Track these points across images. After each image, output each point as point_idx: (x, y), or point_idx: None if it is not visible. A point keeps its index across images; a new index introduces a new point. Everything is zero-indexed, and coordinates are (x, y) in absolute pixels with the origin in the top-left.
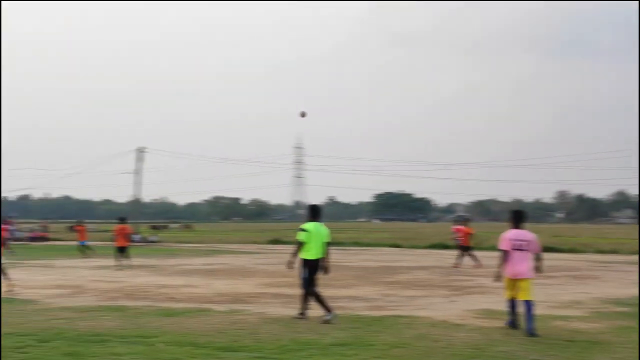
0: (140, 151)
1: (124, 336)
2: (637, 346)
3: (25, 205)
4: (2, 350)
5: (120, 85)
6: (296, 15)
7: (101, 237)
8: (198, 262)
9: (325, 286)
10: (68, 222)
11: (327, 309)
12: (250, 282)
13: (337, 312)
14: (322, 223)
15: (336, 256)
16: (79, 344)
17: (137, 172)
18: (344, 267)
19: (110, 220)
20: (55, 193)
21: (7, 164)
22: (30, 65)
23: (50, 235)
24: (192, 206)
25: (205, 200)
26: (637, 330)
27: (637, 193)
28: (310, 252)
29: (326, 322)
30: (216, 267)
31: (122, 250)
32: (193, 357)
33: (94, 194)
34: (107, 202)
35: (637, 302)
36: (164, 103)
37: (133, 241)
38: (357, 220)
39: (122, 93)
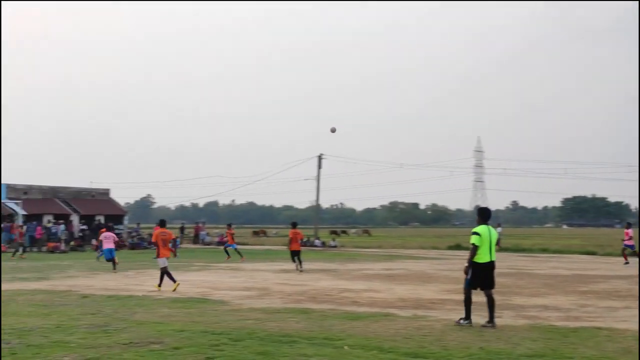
0: (320, 158)
1: (311, 338)
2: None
3: (213, 212)
4: (200, 347)
5: (296, 93)
6: (473, 17)
7: (283, 242)
8: (378, 267)
9: (513, 294)
10: (252, 227)
11: (468, 315)
12: (432, 288)
13: (528, 321)
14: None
15: (523, 263)
16: (269, 343)
17: (317, 179)
18: (532, 275)
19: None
20: (240, 200)
21: (198, 173)
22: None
23: (236, 240)
24: (369, 211)
25: (382, 206)
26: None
27: None
28: (482, 255)
29: (457, 324)
30: (396, 272)
31: (296, 254)
32: None
33: (276, 200)
34: (288, 208)
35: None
36: (342, 108)
37: (314, 246)
38: (544, 226)
39: (300, 102)
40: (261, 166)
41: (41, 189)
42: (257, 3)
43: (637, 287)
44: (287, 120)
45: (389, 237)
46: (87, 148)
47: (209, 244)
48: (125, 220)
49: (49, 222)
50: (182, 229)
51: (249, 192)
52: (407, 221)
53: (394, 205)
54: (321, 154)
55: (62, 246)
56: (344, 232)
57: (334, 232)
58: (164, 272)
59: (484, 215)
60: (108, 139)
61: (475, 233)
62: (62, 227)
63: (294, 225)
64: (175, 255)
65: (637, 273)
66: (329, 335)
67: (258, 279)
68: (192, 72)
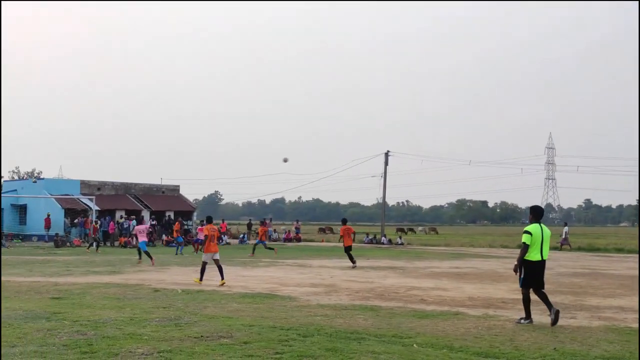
0: (387, 155)
1: (380, 335)
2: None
3: (280, 208)
4: (269, 342)
5: (361, 87)
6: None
7: None
8: (446, 265)
9: (587, 295)
10: (318, 224)
11: (528, 315)
12: (503, 288)
13: (604, 323)
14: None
15: (597, 263)
16: (338, 340)
17: (384, 176)
18: (607, 275)
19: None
20: (307, 196)
21: (264, 170)
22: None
23: (302, 237)
24: (436, 209)
25: (450, 203)
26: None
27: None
28: (531, 254)
29: (518, 323)
30: (465, 271)
31: (348, 249)
32: None
33: (342, 197)
34: (354, 205)
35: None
36: (408, 103)
37: (381, 244)
38: (619, 225)
39: (366, 96)
40: (327, 163)
41: (114, 185)
42: None
43: None
44: (352, 116)
45: (457, 235)
46: (158, 145)
47: (275, 240)
48: (194, 217)
49: (121, 217)
50: (249, 226)
51: (315, 189)
52: (475, 219)
53: (461, 203)
54: (388, 151)
55: (134, 241)
56: (411, 230)
57: (401, 230)
58: (203, 267)
59: (536, 213)
60: (178, 136)
61: (527, 232)
62: (134, 222)
63: (344, 222)
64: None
65: None
66: (398, 333)
67: (325, 276)
68: (259, 69)
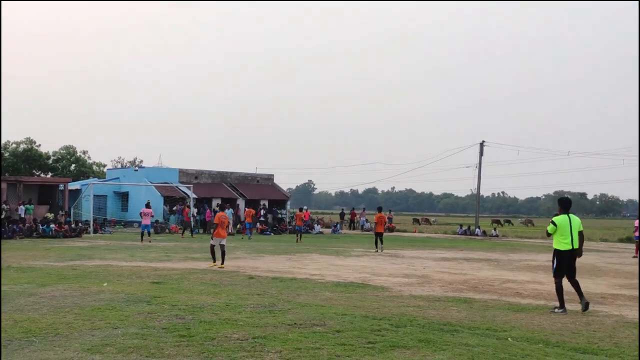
0: (482, 145)
1: (473, 328)
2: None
3: (373, 198)
4: (361, 331)
5: (456, 73)
6: None
7: (443, 230)
8: (542, 258)
9: None
10: (411, 215)
11: (562, 304)
12: (602, 282)
13: None
14: (574, 214)
15: None
16: (431, 331)
17: (478, 166)
18: None
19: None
20: (399, 187)
21: (356, 160)
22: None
23: (395, 226)
24: (532, 201)
25: (547, 195)
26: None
27: None
28: (561, 243)
29: (552, 312)
30: None
31: (379, 236)
32: (546, 355)
33: (435, 188)
34: (447, 196)
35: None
36: (505, 90)
37: (475, 235)
38: None
39: (461, 87)
40: (421, 154)
41: (210, 174)
42: None
43: None
44: (447, 106)
45: None
46: (252, 135)
47: (368, 230)
48: (288, 205)
49: (217, 205)
50: (341, 215)
51: (408, 179)
52: (573, 212)
53: (559, 195)
54: (483, 141)
55: (230, 229)
56: (508, 221)
57: (496, 221)
58: (212, 250)
59: (564, 205)
60: (273, 126)
61: (552, 222)
62: (230, 210)
63: (380, 209)
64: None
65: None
66: (492, 326)
67: (418, 267)
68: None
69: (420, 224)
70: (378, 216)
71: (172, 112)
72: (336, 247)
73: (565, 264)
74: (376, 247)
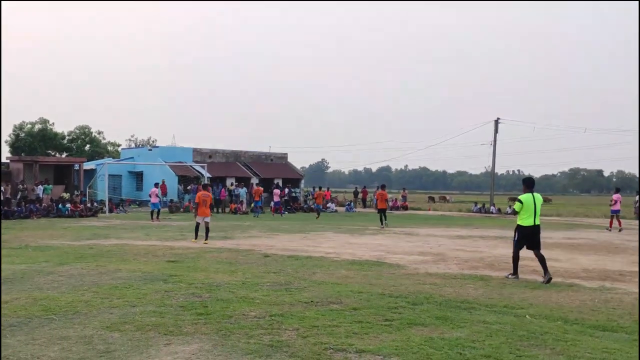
0: (497, 122)
1: (491, 305)
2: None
3: (386, 177)
4: (378, 309)
5: (469, 58)
6: None
7: (457, 208)
8: (558, 235)
9: None
10: (426, 193)
11: (515, 271)
12: (620, 260)
13: None
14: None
15: None
16: (448, 309)
17: (493, 144)
18: None
19: (465, 192)
20: (413, 165)
21: (370, 140)
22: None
23: (409, 205)
24: (547, 178)
25: (562, 172)
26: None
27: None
28: (525, 220)
29: (506, 278)
30: (579, 242)
31: (382, 212)
32: (565, 333)
33: (449, 166)
34: (461, 174)
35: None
36: (521, 69)
37: (489, 213)
38: None
39: (475, 64)
40: (435, 131)
41: (224, 153)
42: None
43: None
44: (461, 83)
45: (569, 205)
46: (266, 113)
47: None
48: (302, 184)
49: (231, 184)
50: (355, 193)
51: (422, 158)
52: (589, 189)
53: (574, 172)
54: (498, 118)
55: (244, 208)
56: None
57: (513, 199)
58: (196, 227)
59: (528, 184)
60: (286, 104)
61: (519, 200)
62: (244, 189)
63: (382, 187)
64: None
65: None
66: (509, 304)
67: (433, 244)
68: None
69: (435, 202)
70: (379, 193)
71: (187, 92)
72: (350, 226)
73: (527, 239)
74: (382, 224)
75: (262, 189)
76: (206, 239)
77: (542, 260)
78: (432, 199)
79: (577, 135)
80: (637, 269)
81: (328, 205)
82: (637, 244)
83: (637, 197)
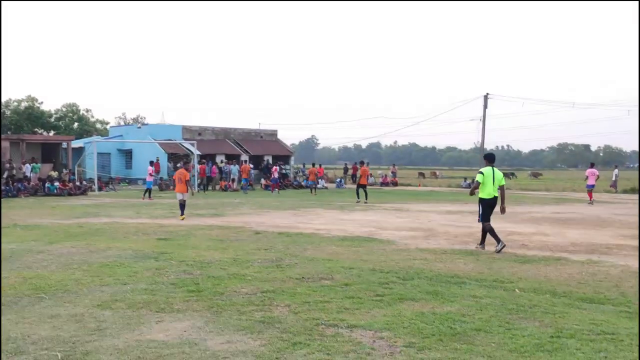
0: (486, 98)
1: (481, 280)
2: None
3: (376, 153)
4: (369, 284)
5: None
6: None
7: (447, 184)
8: (547, 210)
9: None
10: (415, 169)
11: (498, 240)
12: (607, 233)
13: None
14: (497, 168)
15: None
16: (438, 284)
17: (482, 119)
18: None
19: (455, 167)
20: (403, 141)
21: (359, 115)
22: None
23: (399, 181)
24: (536, 153)
25: (550, 147)
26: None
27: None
28: (485, 192)
29: (476, 249)
30: (567, 216)
31: (363, 187)
32: (553, 306)
33: (439, 142)
34: (451, 150)
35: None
36: (511, 45)
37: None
38: None
39: (466, 39)
40: (424, 107)
41: (214, 130)
42: None
43: None
44: (449, 57)
45: (557, 179)
46: (255, 89)
47: (372, 184)
48: (292, 161)
49: (221, 162)
50: (345, 170)
51: (411, 134)
52: (577, 164)
53: (562, 147)
54: (487, 94)
55: (235, 185)
56: (512, 174)
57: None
58: (180, 204)
59: (489, 158)
60: (275, 81)
61: (480, 172)
62: (236, 167)
63: (363, 163)
64: (192, 195)
65: None
66: (499, 278)
67: (423, 220)
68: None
69: (425, 178)
70: (362, 169)
71: (175, 68)
72: (341, 202)
73: (491, 210)
74: (358, 198)
75: (250, 166)
76: (182, 214)
77: (484, 232)
78: (422, 174)
79: (566, 111)
80: (623, 242)
81: (318, 181)
82: (626, 218)
83: (616, 170)
